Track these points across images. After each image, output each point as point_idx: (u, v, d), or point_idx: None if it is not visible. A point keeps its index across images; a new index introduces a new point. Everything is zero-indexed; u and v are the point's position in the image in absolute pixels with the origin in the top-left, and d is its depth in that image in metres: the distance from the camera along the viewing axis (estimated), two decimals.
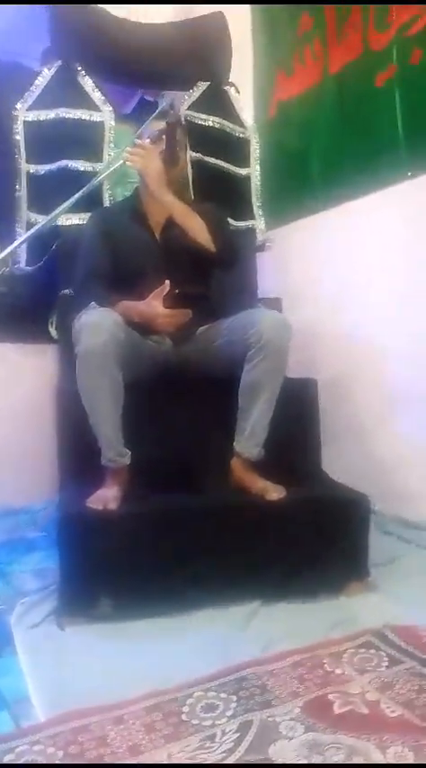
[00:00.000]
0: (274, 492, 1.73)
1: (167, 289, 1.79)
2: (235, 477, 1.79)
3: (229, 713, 1.18)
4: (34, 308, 2.57)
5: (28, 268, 2.50)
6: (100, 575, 1.55)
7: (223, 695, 1.24)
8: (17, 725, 1.16)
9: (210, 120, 2.71)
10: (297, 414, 2.00)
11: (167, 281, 1.80)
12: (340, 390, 2.35)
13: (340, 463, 2.12)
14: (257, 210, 2.82)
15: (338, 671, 1.32)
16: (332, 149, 2.52)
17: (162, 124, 2.00)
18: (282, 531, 1.71)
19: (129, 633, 1.50)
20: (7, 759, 1.05)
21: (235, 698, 1.23)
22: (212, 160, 2.69)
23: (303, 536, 1.71)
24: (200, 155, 2.66)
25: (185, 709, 1.19)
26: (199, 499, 1.76)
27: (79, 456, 1.80)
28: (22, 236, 2.36)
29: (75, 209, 2.33)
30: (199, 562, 1.63)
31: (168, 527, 1.64)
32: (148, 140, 1.99)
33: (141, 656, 1.40)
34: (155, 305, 1.81)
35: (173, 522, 1.66)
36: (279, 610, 1.62)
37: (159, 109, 1.93)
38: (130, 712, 1.18)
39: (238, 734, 1.11)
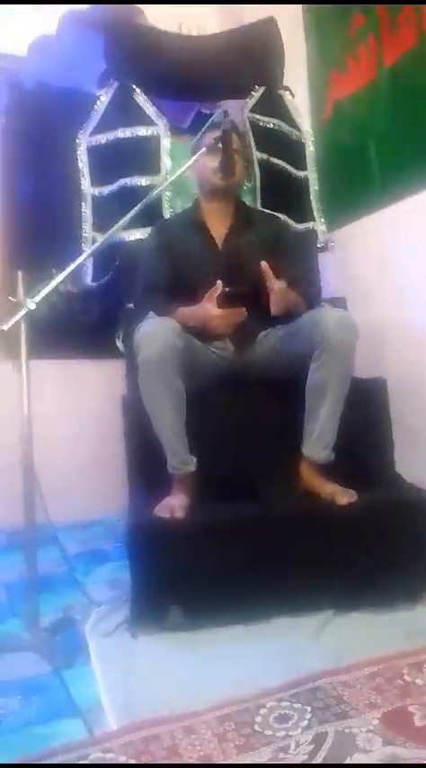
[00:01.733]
0: (345, 496, 1.68)
1: (220, 289, 1.78)
2: (304, 481, 1.75)
3: (303, 724, 1.14)
4: (101, 323, 2.64)
5: (94, 284, 2.57)
6: (169, 583, 1.55)
7: (297, 705, 1.20)
8: (90, 732, 1.16)
9: (272, 123, 2.71)
10: (367, 414, 1.94)
11: (219, 282, 1.79)
12: (411, 389, 2.26)
13: (414, 465, 2.03)
14: (317, 212, 2.78)
15: (418, 681, 1.26)
16: (391, 143, 2.45)
17: (217, 134, 2.01)
18: (355, 538, 1.65)
19: (200, 642, 1.49)
20: None
21: (309, 708, 1.19)
22: (276, 161, 2.69)
23: (377, 542, 1.65)
24: (266, 155, 2.66)
25: (258, 719, 1.17)
26: (269, 506, 1.72)
27: (147, 465, 1.81)
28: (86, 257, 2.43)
29: (137, 223, 2.38)
30: (269, 570, 1.60)
31: (237, 535, 1.62)
32: (204, 150, 1.99)
33: (212, 665, 1.38)
34: (208, 307, 1.80)
35: (241, 529, 1.63)
36: (352, 619, 1.57)
37: (212, 119, 1.93)
38: (202, 722, 1.17)
39: (313, 746, 1.08)
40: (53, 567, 1.97)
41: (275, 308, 1.84)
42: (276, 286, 1.82)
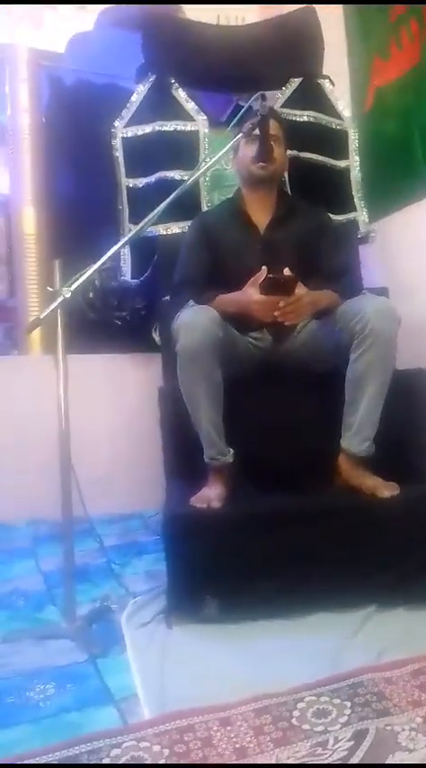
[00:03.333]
0: (386, 489, 1.63)
1: (264, 275, 1.75)
2: (343, 474, 1.71)
3: (343, 720, 1.11)
4: (140, 318, 2.64)
5: (134, 281, 2.57)
6: (205, 574, 1.53)
7: (336, 701, 1.17)
8: (124, 721, 1.15)
9: (305, 116, 2.65)
10: (410, 406, 1.88)
11: (264, 268, 1.75)
12: None
13: None
14: (358, 202, 2.71)
15: None
16: None
17: (255, 119, 1.96)
18: (397, 531, 1.60)
19: (237, 635, 1.46)
20: (114, 754, 1.04)
21: (349, 704, 1.15)
22: (308, 155, 2.62)
23: (420, 536, 1.59)
24: (296, 151, 2.60)
25: (295, 713, 1.13)
26: (307, 498, 1.69)
27: (184, 456, 1.80)
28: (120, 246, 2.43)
29: (174, 217, 2.37)
30: (307, 564, 1.56)
31: (274, 527, 1.58)
32: (242, 136, 1.96)
33: (249, 658, 1.35)
34: (250, 292, 1.77)
35: (279, 522, 1.60)
36: (395, 615, 1.51)
37: (248, 103, 1.89)
38: (238, 714, 1.14)
39: (352, 742, 1.04)
40: (91, 559, 1.98)
41: (286, 318, 1.77)
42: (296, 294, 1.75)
